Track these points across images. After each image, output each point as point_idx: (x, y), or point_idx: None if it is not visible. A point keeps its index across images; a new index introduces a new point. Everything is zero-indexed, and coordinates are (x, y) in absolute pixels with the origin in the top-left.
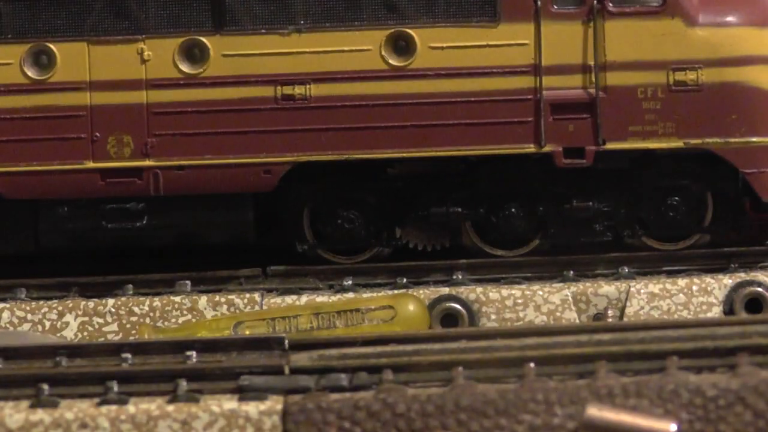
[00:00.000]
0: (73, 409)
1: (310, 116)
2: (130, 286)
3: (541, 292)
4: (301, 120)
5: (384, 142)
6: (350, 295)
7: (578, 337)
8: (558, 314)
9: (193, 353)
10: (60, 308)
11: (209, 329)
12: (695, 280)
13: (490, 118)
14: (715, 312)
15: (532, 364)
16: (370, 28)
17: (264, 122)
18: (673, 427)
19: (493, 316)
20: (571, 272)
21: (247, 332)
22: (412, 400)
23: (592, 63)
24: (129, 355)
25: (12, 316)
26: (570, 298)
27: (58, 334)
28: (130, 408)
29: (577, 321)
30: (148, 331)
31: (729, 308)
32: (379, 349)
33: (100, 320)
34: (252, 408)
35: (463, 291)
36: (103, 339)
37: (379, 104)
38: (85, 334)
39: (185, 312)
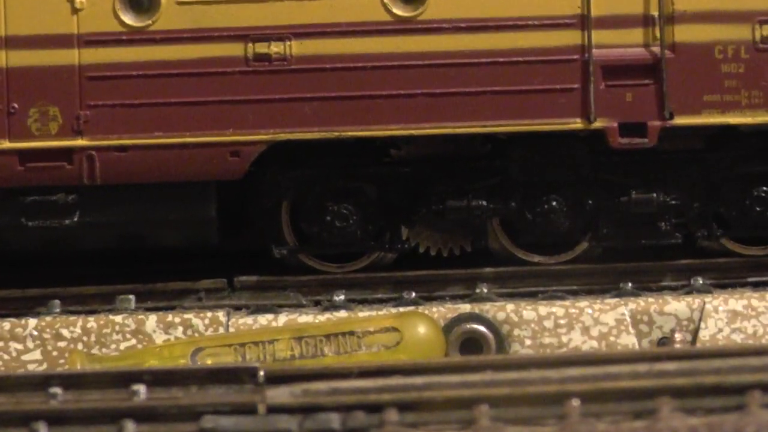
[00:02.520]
0: None
1: (290, 82)
2: (57, 302)
3: (590, 311)
4: (278, 87)
5: (387, 116)
6: (342, 313)
7: (636, 367)
8: (612, 338)
9: (142, 387)
10: None
11: (160, 358)
12: None
13: (524, 85)
14: None
15: (576, 401)
16: None
17: (231, 90)
18: None
19: (527, 341)
20: (630, 284)
21: (210, 361)
22: None
23: (655, 13)
24: (59, 390)
25: None
26: (627, 318)
27: None
28: None
29: (637, 347)
30: (82, 360)
31: None
32: (380, 382)
33: (19, 346)
34: None
35: (489, 308)
36: (23, 370)
37: (381, 66)
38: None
39: (129, 336)
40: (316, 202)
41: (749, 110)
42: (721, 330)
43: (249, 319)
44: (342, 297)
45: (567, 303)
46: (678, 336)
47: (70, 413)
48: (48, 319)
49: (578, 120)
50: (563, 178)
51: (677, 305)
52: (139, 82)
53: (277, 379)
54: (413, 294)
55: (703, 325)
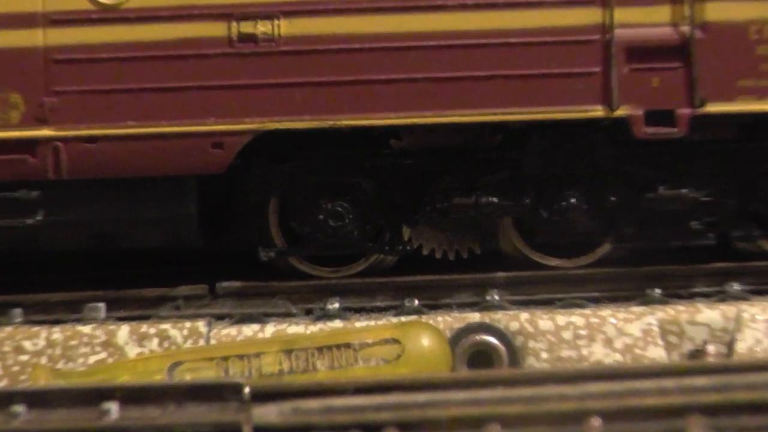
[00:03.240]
0: None
1: (279, 65)
2: (19, 310)
3: (613, 320)
4: (266, 70)
5: (387, 103)
6: (337, 323)
7: (663, 382)
8: (638, 351)
9: (114, 406)
10: None
11: (134, 372)
12: None
13: (539, 69)
14: None
15: (597, 420)
16: None
17: (213, 74)
18: None
19: (544, 354)
20: (657, 291)
21: (189, 377)
22: None
23: None
24: (22, 409)
25: None
26: (655, 328)
27: None
28: None
29: (665, 360)
30: (46, 375)
31: None
32: (378, 399)
33: None
34: None
35: (500, 318)
36: None
37: (380, 48)
38: None
39: (98, 348)
40: (308, 199)
41: None
42: (759, 341)
43: (232, 330)
44: (336, 305)
45: (588, 312)
46: (711, 348)
47: None
48: (8, 329)
49: (599, 107)
50: (583, 171)
51: (710, 314)
52: (110, 65)
53: (264, 396)
54: (416, 302)
55: (739, 336)
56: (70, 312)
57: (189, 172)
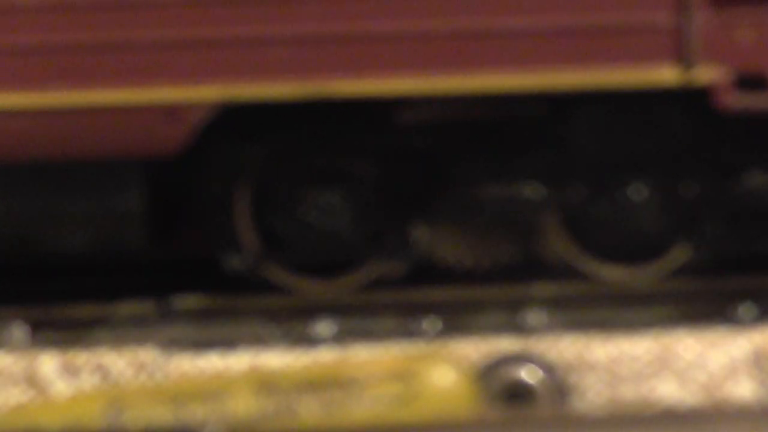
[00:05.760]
0: None
1: (249, 14)
2: None
3: (690, 348)
4: (233, 20)
5: (390, 63)
6: (328, 352)
7: (755, 428)
8: (723, 387)
9: None
10: None
11: (65, 416)
12: None
13: (590, 19)
14: None
15: None
16: None
17: (164, 25)
18: None
19: (596, 392)
20: (750, 309)
21: (135, 421)
22: None
23: None
24: None
25: None
26: (746, 358)
27: None
28: None
29: (759, 399)
30: None
31: None
32: None
33: None
34: None
35: (541, 345)
36: None
37: None
38: None
39: (19, 382)
40: (289, 189)
41: None
42: None
43: (189, 361)
44: (327, 328)
45: (656, 337)
46: None
47: None
48: None
49: (670, 69)
50: (650, 154)
51: None
52: (31, 16)
53: None
54: (432, 324)
55: None
56: None
57: (133, 155)
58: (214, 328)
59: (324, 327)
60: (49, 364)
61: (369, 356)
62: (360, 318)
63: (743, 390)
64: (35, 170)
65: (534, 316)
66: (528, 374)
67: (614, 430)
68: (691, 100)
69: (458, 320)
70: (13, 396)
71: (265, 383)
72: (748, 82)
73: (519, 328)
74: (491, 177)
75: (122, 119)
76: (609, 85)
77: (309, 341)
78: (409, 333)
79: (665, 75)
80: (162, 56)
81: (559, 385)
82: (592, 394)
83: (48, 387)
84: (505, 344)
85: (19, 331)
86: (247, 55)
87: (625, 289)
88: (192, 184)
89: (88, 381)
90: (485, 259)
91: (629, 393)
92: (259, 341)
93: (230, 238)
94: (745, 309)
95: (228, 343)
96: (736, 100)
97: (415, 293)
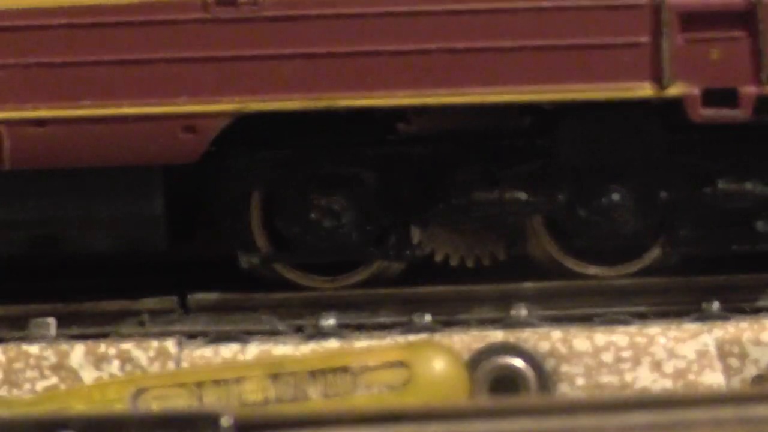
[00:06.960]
0: None
1: (263, 34)
2: None
3: (663, 339)
4: (248, 40)
5: (392, 80)
6: (333, 343)
7: (720, 413)
8: (691, 376)
9: None
10: None
11: (90, 401)
12: None
13: (576, 38)
14: None
15: None
16: None
17: (184, 44)
18: None
19: (580, 380)
20: (716, 304)
21: (155, 406)
22: None
23: None
24: None
25: None
26: (712, 350)
27: None
28: None
29: (724, 387)
30: None
31: None
32: None
33: None
34: None
35: (528, 337)
36: None
37: (385, 13)
38: None
39: (48, 372)
40: (298, 195)
41: None
42: None
43: (207, 351)
44: (332, 321)
45: (632, 330)
46: None
47: None
48: None
49: (647, 85)
50: (628, 161)
51: None
52: (61, 33)
53: (246, 428)
54: (427, 317)
55: None
56: (14, 329)
57: (155, 162)
58: (229, 321)
59: (329, 320)
60: (77, 353)
61: (368, 346)
62: (361, 311)
63: (709, 377)
64: (67, 174)
65: (521, 310)
66: (514, 363)
67: (594, 415)
68: (666, 113)
69: (451, 313)
70: (46, 382)
71: (274, 370)
72: (714, 95)
73: (507, 321)
74: (482, 183)
75: (147, 129)
76: (593, 100)
77: (316, 332)
78: (405, 325)
79: (643, 90)
80: (183, 73)
81: (543, 374)
82: (574, 382)
83: (76, 374)
84: (494, 336)
85: (51, 324)
86: (260, 72)
87: (605, 286)
88: (209, 190)
89: (113, 369)
90: (477, 258)
91: (608, 380)
92: (270, 333)
93: (244, 239)
94: (711, 305)
95: (242, 335)
96: (704, 113)
97: (412, 289)
